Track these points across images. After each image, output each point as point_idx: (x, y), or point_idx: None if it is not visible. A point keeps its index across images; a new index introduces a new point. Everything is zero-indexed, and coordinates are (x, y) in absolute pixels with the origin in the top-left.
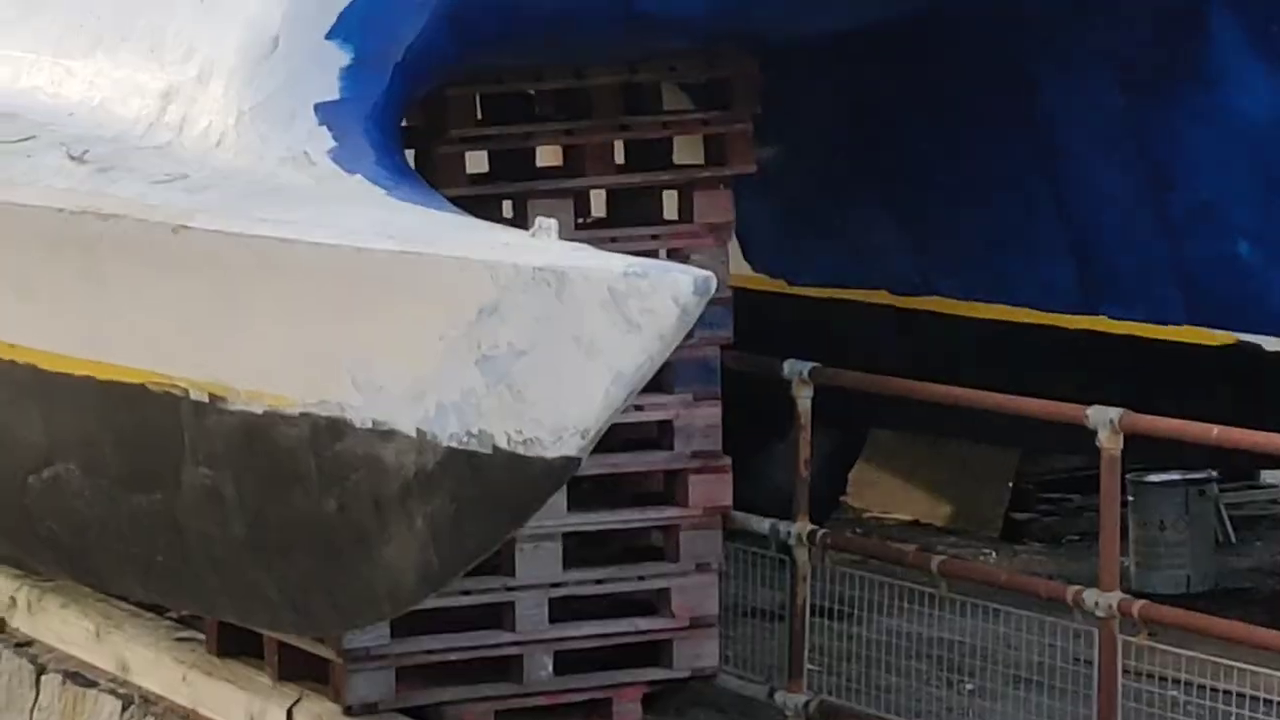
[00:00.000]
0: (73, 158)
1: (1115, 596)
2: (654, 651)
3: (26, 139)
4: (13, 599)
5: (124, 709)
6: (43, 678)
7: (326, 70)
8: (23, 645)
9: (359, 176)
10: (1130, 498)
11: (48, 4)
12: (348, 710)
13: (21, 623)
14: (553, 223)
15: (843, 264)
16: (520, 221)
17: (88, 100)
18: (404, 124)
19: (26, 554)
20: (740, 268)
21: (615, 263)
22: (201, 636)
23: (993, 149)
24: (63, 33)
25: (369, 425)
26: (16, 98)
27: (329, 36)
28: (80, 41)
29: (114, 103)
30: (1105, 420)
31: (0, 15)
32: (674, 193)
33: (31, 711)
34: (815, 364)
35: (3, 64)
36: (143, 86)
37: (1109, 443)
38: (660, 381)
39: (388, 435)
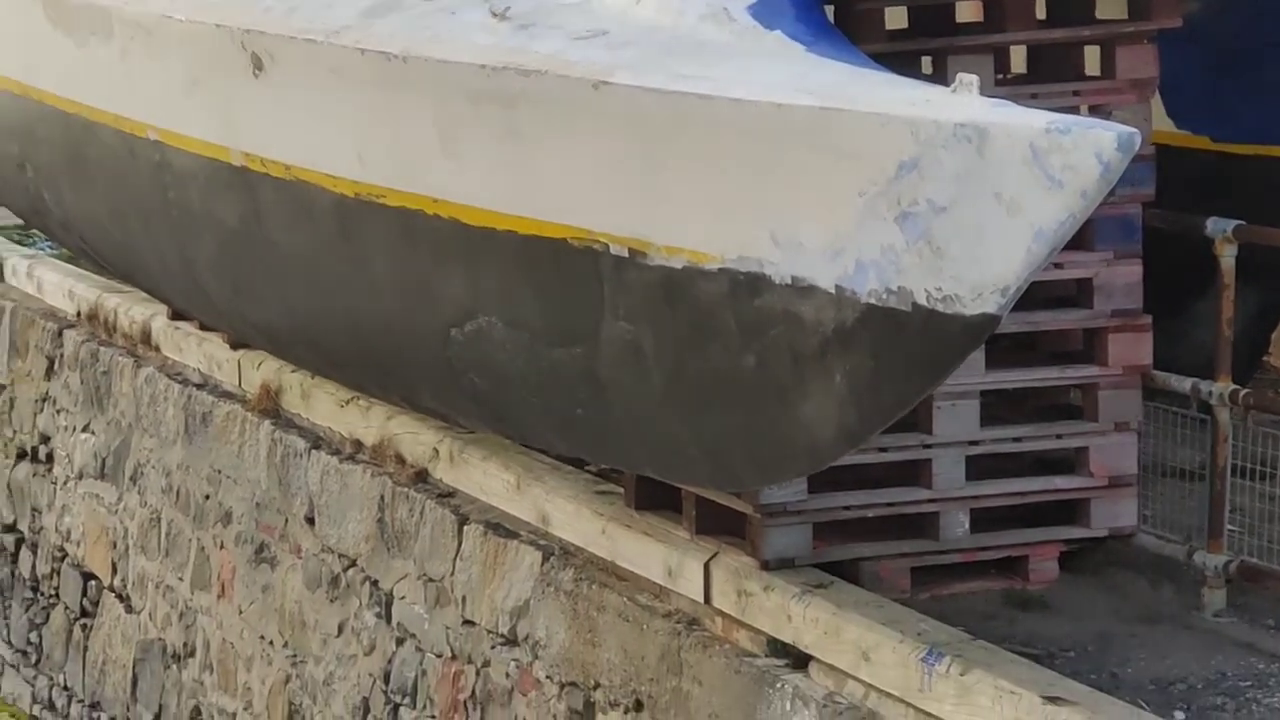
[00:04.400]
0: (495, 14)
1: None
2: (1071, 510)
3: None
4: (435, 450)
5: (544, 560)
6: (465, 528)
7: None
8: (445, 496)
9: (778, 32)
10: None
11: None
12: (764, 565)
13: (444, 474)
14: (973, 79)
15: (1268, 121)
16: (940, 78)
17: None
18: None
19: (448, 406)
20: (1162, 124)
21: (1037, 119)
22: (620, 490)
23: None
24: None
25: (788, 281)
26: None
27: None
28: None
29: None
30: None
31: None
32: (1096, 48)
33: (454, 561)
34: (1239, 222)
35: None
36: None
37: None
38: (1080, 239)
39: (806, 291)
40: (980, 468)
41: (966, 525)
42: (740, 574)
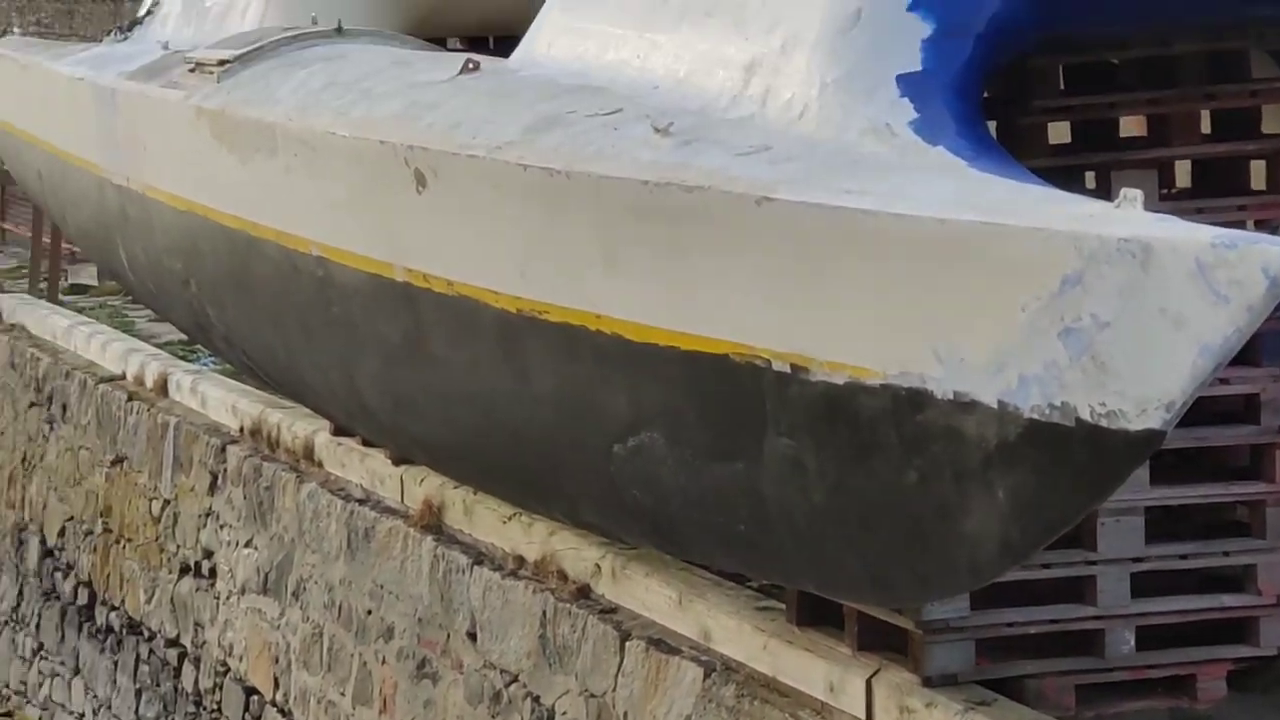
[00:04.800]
0: (658, 130)
1: None
2: (1239, 628)
3: (613, 112)
4: (597, 566)
5: (705, 676)
6: (627, 644)
7: (908, 42)
8: (607, 612)
9: (940, 148)
10: None
11: None
12: (926, 681)
13: (606, 589)
14: (1137, 193)
15: None
16: (1104, 193)
17: (673, 73)
18: (985, 95)
19: (611, 521)
20: None
21: (1202, 234)
22: (782, 606)
23: None
24: (649, 6)
25: (950, 397)
26: (604, 71)
27: (911, 8)
28: (666, 15)
29: (698, 75)
30: None
31: None
32: (1262, 162)
33: (616, 677)
34: None
35: (591, 38)
36: (727, 59)
37: None
38: (1246, 354)
39: (969, 407)
40: (1146, 584)
41: (1132, 643)
42: (902, 690)
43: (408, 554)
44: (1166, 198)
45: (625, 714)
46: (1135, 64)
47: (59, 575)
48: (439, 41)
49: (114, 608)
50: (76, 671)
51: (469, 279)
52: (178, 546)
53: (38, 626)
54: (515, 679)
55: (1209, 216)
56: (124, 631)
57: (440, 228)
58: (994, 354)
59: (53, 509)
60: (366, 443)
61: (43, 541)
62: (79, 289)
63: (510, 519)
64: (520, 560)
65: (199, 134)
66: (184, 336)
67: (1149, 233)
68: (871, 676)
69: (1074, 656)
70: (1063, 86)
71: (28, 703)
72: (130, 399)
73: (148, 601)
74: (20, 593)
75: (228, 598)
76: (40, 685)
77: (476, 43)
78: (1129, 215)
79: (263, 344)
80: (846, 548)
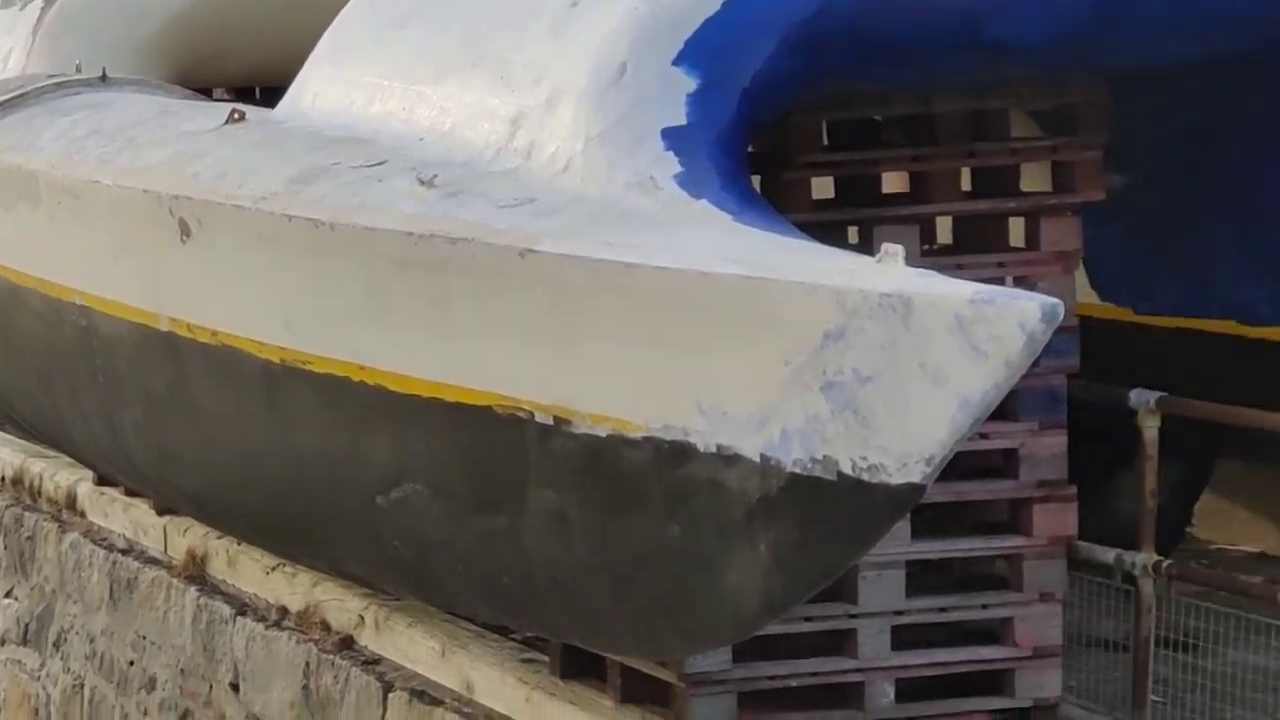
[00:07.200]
0: (423, 182)
1: None
2: (996, 680)
3: (378, 164)
4: (361, 617)
5: None
6: (390, 695)
7: (673, 96)
8: (370, 663)
9: (704, 201)
10: None
11: (400, 31)
12: None
13: (369, 641)
14: (899, 249)
15: (1189, 293)
16: (866, 248)
17: (438, 125)
18: (750, 150)
19: (374, 573)
20: (1087, 296)
21: (962, 289)
22: (545, 658)
23: None
24: (415, 59)
25: (713, 450)
26: (370, 123)
27: (675, 63)
28: (432, 67)
29: (464, 128)
30: None
31: (354, 41)
32: (1021, 220)
33: None
34: (1162, 393)
35: (357, 89)
36: (492, 112)
37: None
38: (1005, 409)
39: (731, 460)
40: (906, 637)
41: (892, 695)
42: None
43: (170, 604)
44: (928, 254)
45: None
46: (898, 121)
47: None
48: (205, 91)
49: None
50: None
51: (233, 329)
52: None
53: None
54: None
55: (969, 273)
56: None
57: (205, 278)
58: (757, 407)
59: None
60: (130, 492)
61: None
62: None
63: (274, 570)
64: (283, 611)
65: None
66: None
67: (910, 288)
68: None
69: (835, 709)
70: (826, 142)
71: None
72: None
73: None
74: None
75: None
76: None
77: (243, 93)
78: (890, 270)
79: (25, 394)
80: (609, 601)
